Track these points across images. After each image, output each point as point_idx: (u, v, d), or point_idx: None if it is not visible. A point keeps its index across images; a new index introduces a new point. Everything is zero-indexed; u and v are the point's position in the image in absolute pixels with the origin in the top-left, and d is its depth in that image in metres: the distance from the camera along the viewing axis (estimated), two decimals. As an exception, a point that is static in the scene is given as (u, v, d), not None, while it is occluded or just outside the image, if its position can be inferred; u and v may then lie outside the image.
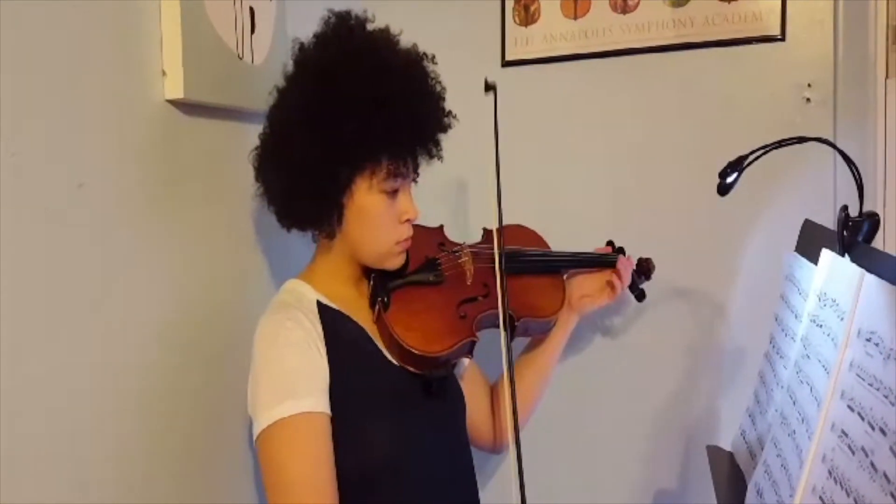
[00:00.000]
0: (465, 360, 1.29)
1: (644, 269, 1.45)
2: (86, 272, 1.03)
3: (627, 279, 1.37)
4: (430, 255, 1.25)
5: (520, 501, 0.94)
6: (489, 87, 1.19)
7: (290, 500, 1.01)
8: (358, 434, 1.07)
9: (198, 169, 1.24)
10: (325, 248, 1.19)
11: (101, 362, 1.05)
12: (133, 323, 1.11)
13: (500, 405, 1.35)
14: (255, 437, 1.05)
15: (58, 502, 0.98)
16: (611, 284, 1.36)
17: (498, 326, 1.21)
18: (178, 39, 1.14)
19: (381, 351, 1.15)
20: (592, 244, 1.45)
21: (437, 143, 1.17)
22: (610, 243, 1.48)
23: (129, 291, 1.10)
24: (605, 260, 1.39)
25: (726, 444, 1.12)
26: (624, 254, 1.45)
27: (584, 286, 1.38)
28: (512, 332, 1.24)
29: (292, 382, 1.05)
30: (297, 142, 1.09)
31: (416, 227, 1.21)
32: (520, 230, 1.41)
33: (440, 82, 1.18)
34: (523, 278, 1.31)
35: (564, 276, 1.39)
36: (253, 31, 1.32)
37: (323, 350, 1.08)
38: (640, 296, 1.43)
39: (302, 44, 1.15)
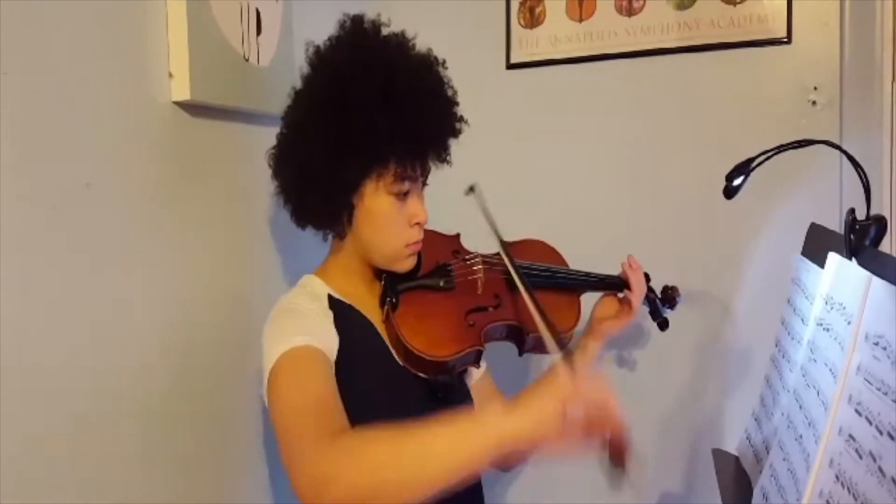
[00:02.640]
0: (475, 371, 1.28)
1: (668, 296, 1.41)
2: (92, 271, 1.03)
3: (640, 289, 1.32)
4: (442, 260, 1.24)
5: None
6: (470, 190, 1.21)
7: (293, 412, 0.96)
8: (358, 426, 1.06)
9: (204, 170, 1.25)
10: (337, 247, 1.20)
11: (107, 364, 1.05)
12: (139, 324, 1.11)
13: None
14: (265, 395, 1.03)
15: (65, 501, 0.98)
16: (624, 301, 1.33)
17: (506, 339, 1.22)
18: (184, 42, 1.14)
19: (389, 350, 1.15)
20: (596, 245, 1.44)
21: (445, 148, 1.17)
22: None
23: (135, 292, 1.11)
24: (612, 281, 1.35)
25: (732, 448, 1.11)
26: (648, 280, 1.40)
27: (603, 309, 1.35)
28: (522, 345, 1.24)
29: (297, 328, 1.05)
30: (306, 142, 1.10)
31: (432, 234, 1.21)
32: (537, 245, 1.38)
33: (452, 87, 1.17)
34: (537, 293, 1.28)
35: (581, 296, 1.34)
36: (259, 32, 1.33)
37: (333, 329, 1.09)
38: (663, 324, 1.38)
39: (317, 46, 1.16)
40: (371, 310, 1.17)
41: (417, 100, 1.11)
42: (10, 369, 0.91)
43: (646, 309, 1.40)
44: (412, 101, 1.10)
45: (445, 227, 1.30)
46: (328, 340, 1.07)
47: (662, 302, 1.41)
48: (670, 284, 1.43)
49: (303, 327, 1.06)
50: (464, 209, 1.43)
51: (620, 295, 1.35)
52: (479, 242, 1.31)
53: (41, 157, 0.95)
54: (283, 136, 1.16)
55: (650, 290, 1.40)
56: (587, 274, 1.35)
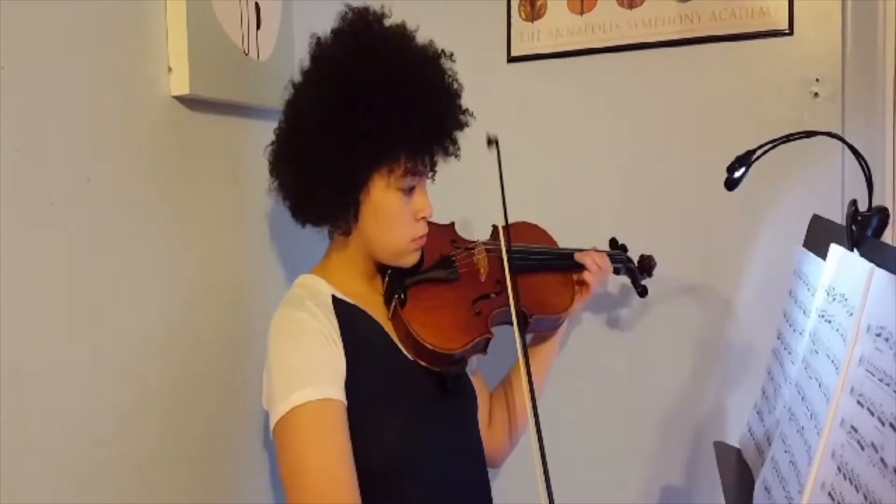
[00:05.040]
0: (476, 358, 1.29)
1: (645, 266, 1.46)
2: (92, 267, 1.03)
3: (596, 269, 1.33)
4: (444, 252, 1.25)
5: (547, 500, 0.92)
6: (491, 142, 1.19)
7: (309, 490, 0.99)
8: (373, 429, 1.07)
9: (203, 164, 1.25)
10: (340, 244, 1.18)
11: (106, 360, 1.05)
12: (140, 319, 1.11)
13: (499, 416, 1.34)
14: (271, 429, 1.04)
15: (66, 502, 0.99)
16: (581, 282, 1.35)
17: (510, 323, 1.21)
18: (183, 36, 1.14)
19: (397, 347, 1.15)
20: (598, 240, 1.45)
21: (454, 141, 1.16)
22: (612, 241, 1.47)
23: (134, 286, 1.11)
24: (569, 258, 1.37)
25: (734, 441, 1.11)
26: (626, 250, 1.46)
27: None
28: (525, 328, 1.24)
29: (308, 370, 1.04)
30: (313, 139, 1.08)
31: (429, 225, 1.21)
32: (529, 227, 1.41)
33: (457, 80, 1.17)
34: (535, 275, 1.31)
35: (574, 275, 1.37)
36: (258, 27, 1.32)
37: (339, 343, 1.08)
38: (643, 292, 1.43)
39: (319, 39, 1.14)
40: (374, 307, 1.17)
41: (427, 94, 1.10)
42: (9, 367, 0.91)
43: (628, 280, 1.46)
44: (422, 96, 1.09)
45: (439, 216, 1.31)
46: (336, 367, 1.06)
47: (640, 271, 1.45)
48: (646, 254, 1.47)
49: (311, 367, 1.05)
50: (456, 197, 1.43)
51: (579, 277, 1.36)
52: (472, 230, 1.32)
53: (40, 152, 0.95)
54: (285, 132, 1.14)
55: (628, 259, 1.45)
56: (563, 252, 1.37)
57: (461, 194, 1.52)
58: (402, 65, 1.09)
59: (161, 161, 1.15)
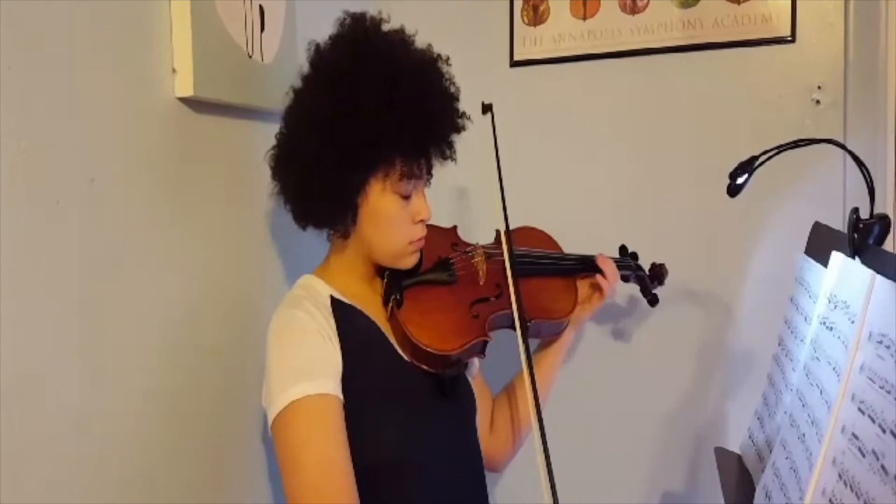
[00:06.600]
0: (477, 361, 1.29)
1: (657, 273, 1.45)
2: (95, 266, 1.03)
3: (613, 277, 1.34)
4: (443, 254, 1.26)
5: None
6: (486, 109, 1.20)
7: (308, 483, 0.99)
8: (369, 429, 1.07)
9: (207, 166, 1.25)
10: (339, 247, 1.20)
11: (108, 359, 1.05)
12: (142, 320, 1.11)
13: (501, 423, 1.35)
14: (269, 424, 1.04)
15: (66, 502, 0.98)
16: (595, 286, 1.35)
17: (510, 327, 1.21)
18: (188, 37, 1.14)
19: (394, 348, 1.15)
20: (599, 245, 1.45)
21: (450, 145, 1.17)
22: (622, 248, 1.47)
23: (137, 286, 1.11)
24: (587, 263, 1.37)
25: (735, 447, 1.11)
26: (636, 259, 1.45)
27: (579, 293, 1.36)
28: (525, 332, 1.25)
29: (305, 366, 1.05)
30: (311, 144, 1.09)
31: (430, 228, 1.21)
32: (532, 232, 1.41)
33: (454, 83, 1.17)
34: (536, 280, 1.31)
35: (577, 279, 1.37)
36: (263, 29, 1.32)
37: (336, 343, 1.08)
38: (653, 301, 1.40)
39: (317, 45, 1.15)
40: (374, 308, 1.17)
41: (422, 99, 1.10)
42: (11, 367, 0.91)
43: (637, 287, 1.44)
44: (417, 101, 1.09)
45: (442, 220, 1.31)
46: (333, 364, 1.07)
47: (651, 279, 1.43)
48: (658, 262, 1.45)
49: (309, 363, 1.05)
50: (459, 202, 1.43)
51: (593, 282, 1.36)
52: (475, 234, 1.32)
53: (45, 153, 0.95)
54: (285, 137, 1.16)
55: (639, 267, 1.44)
56: (577, 257, 1.37)
57: (464, 199, 1.52)
58: (397, 70, 1.09)
59: (164, 162, 1.15)
